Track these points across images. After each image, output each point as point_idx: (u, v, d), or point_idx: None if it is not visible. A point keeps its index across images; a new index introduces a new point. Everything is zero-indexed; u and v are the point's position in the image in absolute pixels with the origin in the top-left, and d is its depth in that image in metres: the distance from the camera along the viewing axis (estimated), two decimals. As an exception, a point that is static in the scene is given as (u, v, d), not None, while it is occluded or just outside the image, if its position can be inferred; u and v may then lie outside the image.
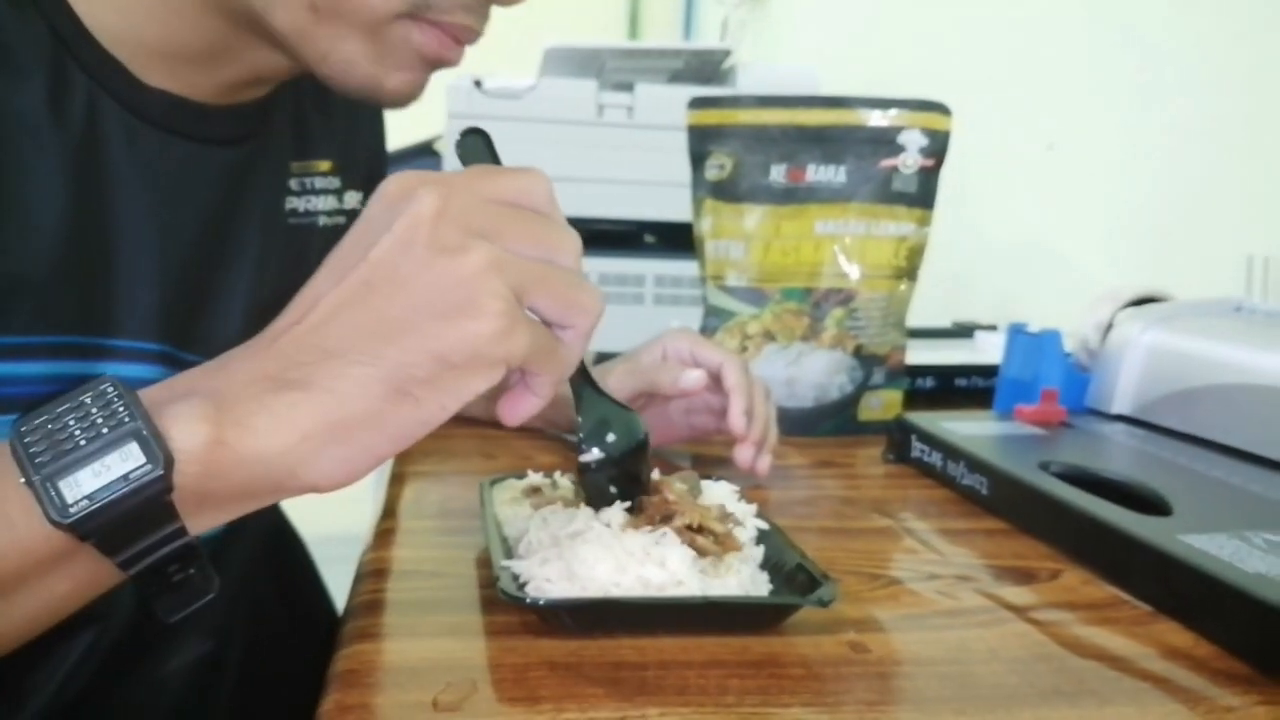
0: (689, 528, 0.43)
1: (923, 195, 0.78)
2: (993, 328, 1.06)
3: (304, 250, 0.61)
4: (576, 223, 0.36)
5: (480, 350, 0.33)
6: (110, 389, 0.32)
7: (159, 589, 0.33)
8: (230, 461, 0.32)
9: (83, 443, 0.31)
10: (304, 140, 0.60)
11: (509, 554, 0.44)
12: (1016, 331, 0.76)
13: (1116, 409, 0.71)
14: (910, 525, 0.57)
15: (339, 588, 0.36)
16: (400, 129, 0.72)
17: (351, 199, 0.64)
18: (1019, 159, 1.21)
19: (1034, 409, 0.70)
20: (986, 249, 1.25)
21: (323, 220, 0.62)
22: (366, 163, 0.66)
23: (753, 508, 0.48)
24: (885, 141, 0.77)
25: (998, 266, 1.24)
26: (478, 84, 1.34)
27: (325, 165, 0.62)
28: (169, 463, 0.30)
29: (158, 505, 0.31)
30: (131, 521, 0.31)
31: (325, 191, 0.62)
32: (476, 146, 0.42)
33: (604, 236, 1.37)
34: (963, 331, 1.07)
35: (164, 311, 0.51)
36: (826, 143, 0.77)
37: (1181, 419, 0.66)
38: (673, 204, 1.33)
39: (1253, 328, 0.66)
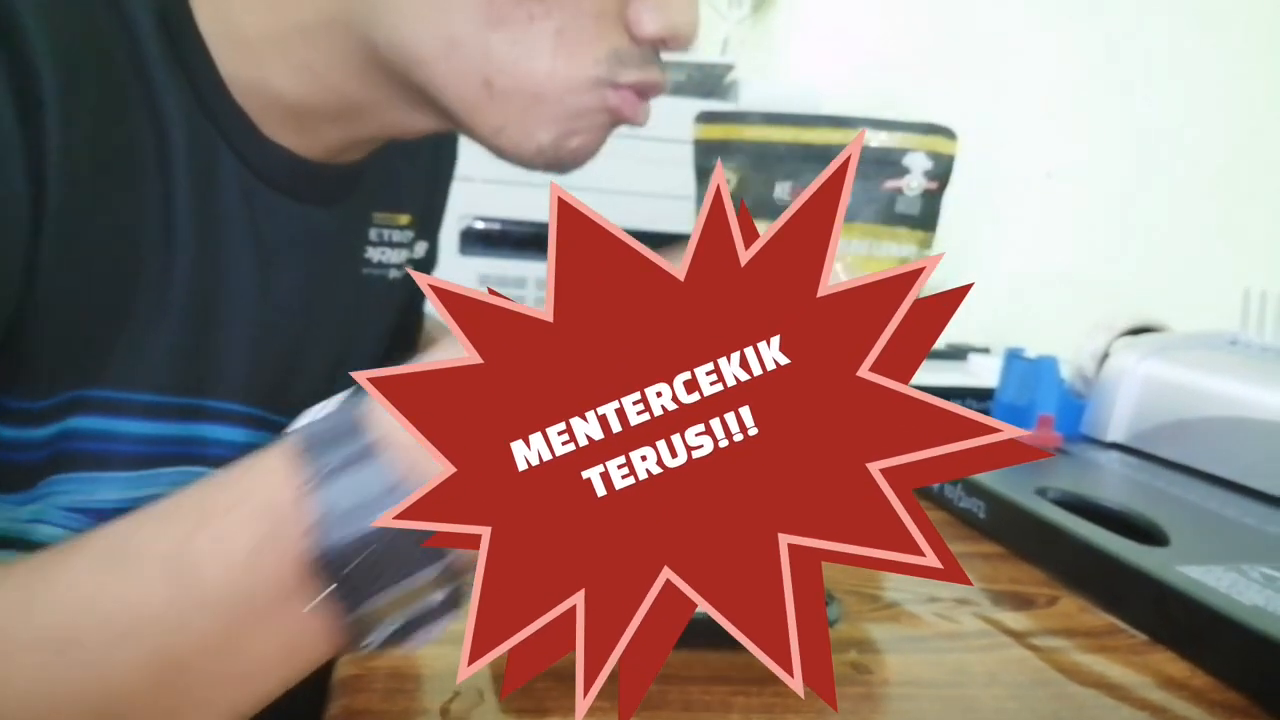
0: None
1: (925, 218, 0.78)
2: (985, 350, 1.06)
3: (377, 304, 0.59)
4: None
5: None
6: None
7: None
8: None
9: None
10: (391, 192, 0.58)
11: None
12: (1013, 357, 0.76)
13: (1111, 437, 0.72)
14: (907, 546, 0.57)
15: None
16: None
17: (420, 249, 0.62)
18: (1017, 184, 1.22)
19: (1030, 435, 0.71)
20: (981, 271, 1.26)
21: (393, 273, 0.59)
22: (436, 212, 0.65)
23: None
24: (890, 163, 0.77)
25: (992, 289, 1.25)
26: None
27: (405, 219, 0.60)
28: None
29: None
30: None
31: (400, 245, 0.60)
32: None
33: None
34: (956, 353, 1.08)
35: (258, 373, 0.50)
36: (831, 162, 0.77)
37: (1176, 449, 0.67)
38: (672, 216, 1.33)
39: (1248, 362, 0.67)
